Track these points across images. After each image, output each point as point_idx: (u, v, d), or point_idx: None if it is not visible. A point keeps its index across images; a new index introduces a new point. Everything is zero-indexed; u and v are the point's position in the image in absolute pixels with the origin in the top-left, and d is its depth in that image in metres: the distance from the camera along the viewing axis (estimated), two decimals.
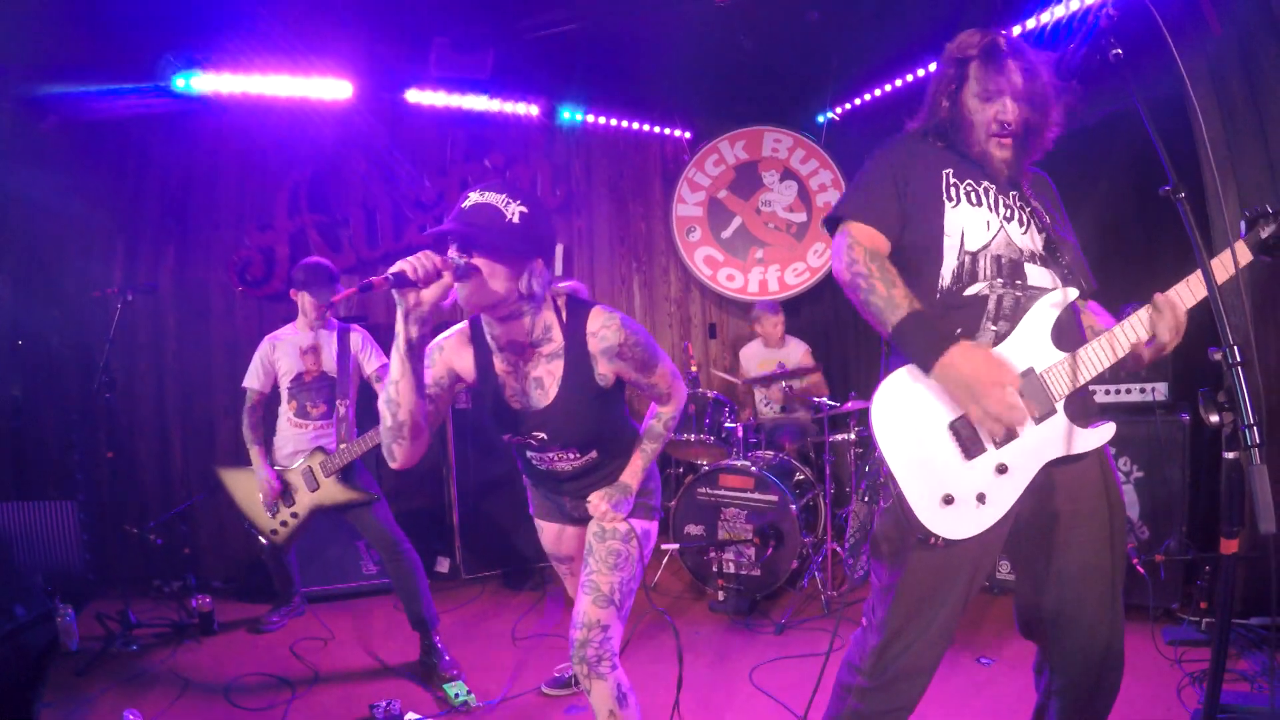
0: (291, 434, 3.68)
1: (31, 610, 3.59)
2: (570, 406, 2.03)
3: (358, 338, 3.72)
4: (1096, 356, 1.79)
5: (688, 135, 6.00)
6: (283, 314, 4.72)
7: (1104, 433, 1.82)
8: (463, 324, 2.10)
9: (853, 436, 4.56)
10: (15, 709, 3.08)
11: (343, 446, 3.49)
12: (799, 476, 4.62)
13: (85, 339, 4.35)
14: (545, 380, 2.03)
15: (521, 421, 2.08)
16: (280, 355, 3.72)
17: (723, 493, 4.27)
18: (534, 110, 5.44)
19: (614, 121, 5.80)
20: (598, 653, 2.09)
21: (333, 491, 3.51)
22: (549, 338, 2.00)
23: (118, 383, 4.41)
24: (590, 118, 5.70)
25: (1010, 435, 1.75)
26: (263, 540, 3.70)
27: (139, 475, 4.61)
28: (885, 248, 1.87)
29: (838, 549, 4.24)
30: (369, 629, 3.99)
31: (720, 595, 4.13)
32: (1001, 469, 1.74)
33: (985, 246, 1.87)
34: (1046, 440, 1.78)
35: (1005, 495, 1.75)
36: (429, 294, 1.68)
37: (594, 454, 2.19)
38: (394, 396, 1.79)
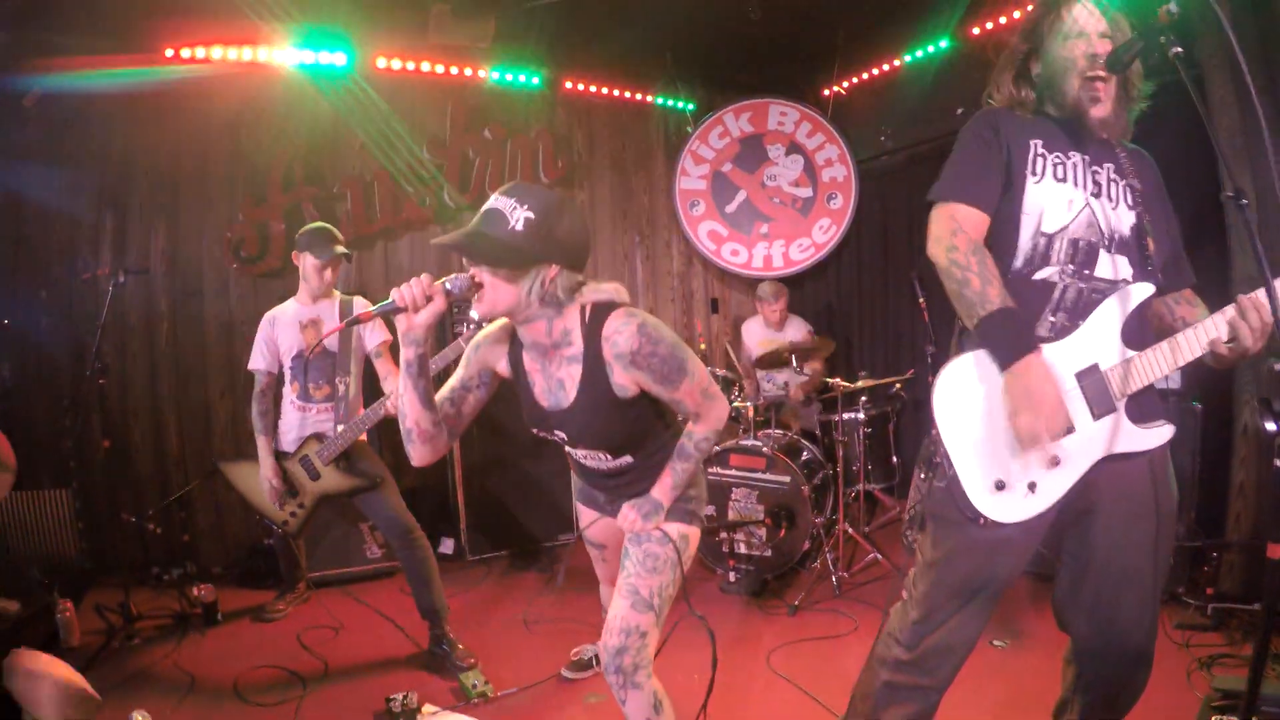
0: (295, 418, 3.52)
1: (29, 605, 3.49)
2: (588, 412, 1.95)
3: (361, 309, 3.53)
4: (1163, 358, 1.74)
5: (691, 107, 5.86)
6: (279, 291, 4.53)
7: (1161, 434, 1.79)
8: (504, 320, 2.04)
9: (862, 415, 4.51)
10: (16, 710, 2.98)
11: (340, 429, 3.35)
12: (806, 455, 4.57)
13: (75, 322, 4.19)
14: (566, 383, 1.96)
15: (545, 418, 2.03)
16: (280, 331, 3.52)
17: (733, 473, 4.21)
18: (535, 80, 5.29)
19: (616, 92, 5.66)
20: (635, 661, 2.00)
21: (335, 479, 3.40)
22: (569, 341, 1.92)
23: (111, 368, 4.29)
24: (593, 88, 5.56)
25: (1067, 429, 1.71)
26: (276, 530, 3.61)
27: (134, 461, 4.47)
28: (986, 227, 1.83)
29: (849, 530, 4.20)
30: (376, 617, 3.91)
31: (731, 576, 4.09)
32: (1055, 461, 1.73)
33: (1064, 229, 1.82)
34: (1103, 437, 1.76)
35: (1056, 487, 1.75)
36: (421, 319, 1.73)
37: (627, 459, 2.09)
38: (402, 408, 1.86)
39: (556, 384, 1.98)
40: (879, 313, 5.80)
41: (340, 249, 3.48)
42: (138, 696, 3.06)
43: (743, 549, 4.18)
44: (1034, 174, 1.83)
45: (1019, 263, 1.83)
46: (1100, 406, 1.75)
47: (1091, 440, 1.75)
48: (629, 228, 5.85)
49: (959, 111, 5.00)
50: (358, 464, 3.40)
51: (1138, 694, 1.91)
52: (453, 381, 2.06)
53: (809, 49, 5.42)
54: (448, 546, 4.81)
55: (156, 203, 4.50)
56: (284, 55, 4.56)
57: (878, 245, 5.75)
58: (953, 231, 1.78)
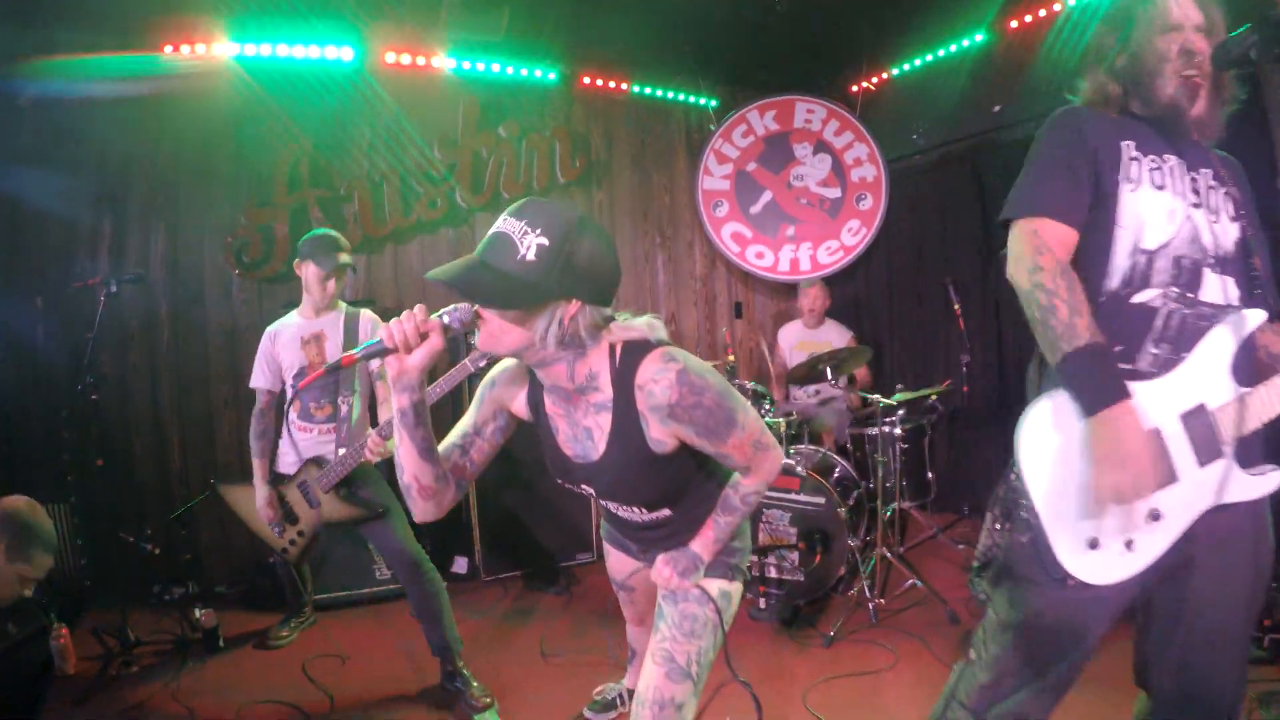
0: (295, 440, 3.29)
1: (23, 626, 3.28)
2: (620, 468, 1.69)
3: (368, 323, 3.29)
4: (1276, 397, 1.52)
5: (714, 104, 5.62)
6: (284, 298, 4.38)
7: (1272, 480, 1.57)
8: None
9: (899, 430, 4.27)
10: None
11: (341, 453, 3.11)
12: (839, 472, 4.34)
13: (73, 330, 3.96)
14: (595, 433, 1.69)
15: (571, 470, 1.78)
16: (281, 348, 3.28)
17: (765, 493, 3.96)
18: (551, 75, 5.06)
19: (636, 88, 5.42)
20: None
21: (335, 508, 3.16)
22: (595, 386, 1.64)
23: (110, 378, 4.11)
24: (611, 84, 5.33)
25: (1170, 478, 1.52)
26: (276, 557, 3.40)
27: (135, 474, 4.27)
28: (1074, 245, 1.61)
29: (886, 554, 3.97)
30: (385, 644, 3.68)
31: (761, 603, 3.86)
32: (1154, 515, 1.52)
33: (1165, 245, 1.59)
34: (1207, 486, 1.55)
35: (1155, 544, 1.55)
36: (415, 360, 1.47)
37: (665, 512, 1.85)
38: (398, 460, 1.61)
39: (583, 432, 1.72)
40: (910, 319, 5.55)
41: (345, 259, 3.23)
42: None
43: (773, 573, 3.94)
44: (1129, 180, 1.61)
45: (1115, 283, 1.61)
46: (1206, 452, 1.54)
47: (1196, 490, 1.55)
48: (650, 229, 5.61)
49: (996, 109, 4.78)
50: (360, 491, 3.18)
51: None
52: (463, 424, 1.80)
53: (837, 43, 5.17)
54: (461, 566, 4.60)
55: (155, 205, 4.29)
56: (289, 50, 4.35)
57: (909, 249, 5.50)
58: (1037, 250, 1.56)
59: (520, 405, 1.80)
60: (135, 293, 4.12)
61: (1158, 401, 1.54)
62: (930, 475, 4.65)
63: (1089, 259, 1.62)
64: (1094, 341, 1.48)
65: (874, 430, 4.60)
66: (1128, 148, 1.63)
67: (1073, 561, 1.52)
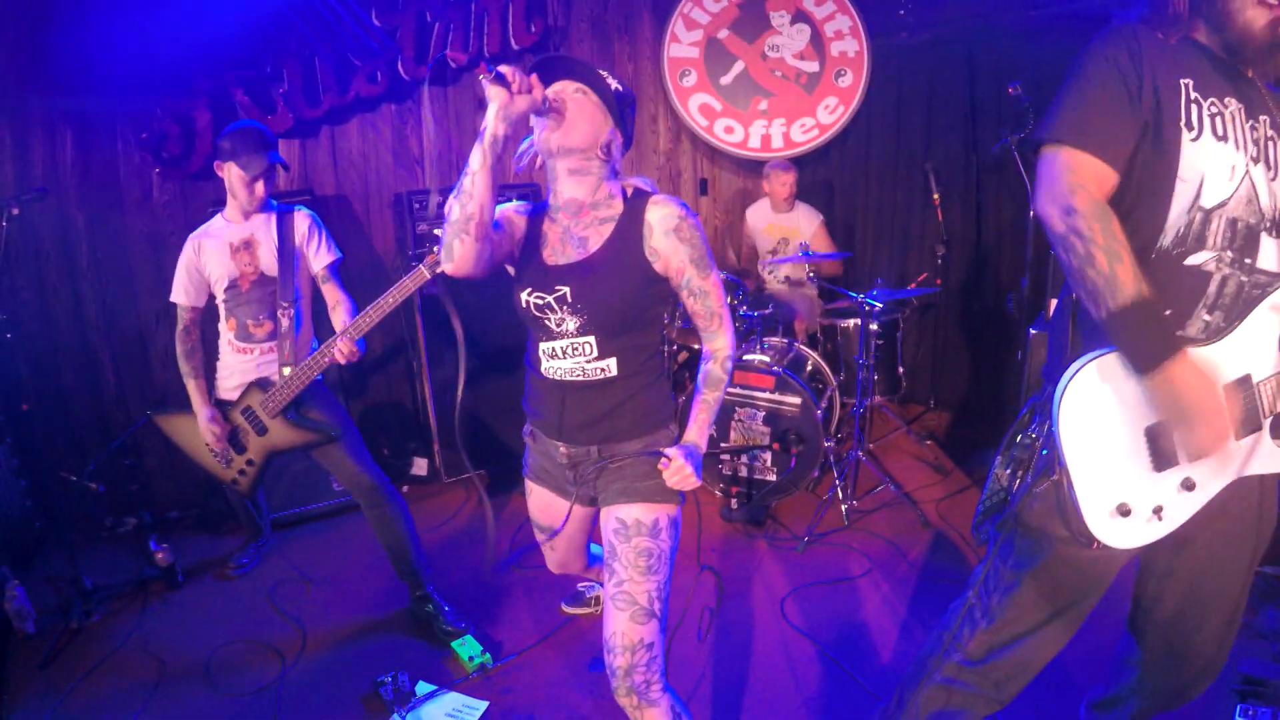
0: (235, 363, 2.99)
1: None
2: (606, 266, 1.83)
3: (303, 223, 2.92)
4: None
5: None
6: (211, 195, 3.96)
7: None
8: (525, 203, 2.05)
9: (875, 326, 4.12)
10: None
11: (286, 373, 2.84)
12: (810, 367, 4.24)
13: None
14: (590, 239, 1.87)
15: (547, 274, 1.87)
16: (207, 258, 2.91)
17: (737, 391, 3.85)
18: None
19: None
20: (646, 677, 1.81)
21: (284, 433, 2.93)
22: (608, 204, 1.88)
23: (29, 304, 3.75)
24: None
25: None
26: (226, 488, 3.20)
27: (70, 405, 3.96)
28: (1112, 187, 1.47)
29: (862, 457, 3.94)
30: (349, 564, 3.58)
31: (733, 503, 3.84)
32: (1188, 485, 1.49)
33: (1223, 204, 1.45)
34: (1241, 457, 1.52)
35: (1182, 512, 1.51)
36: (520, 102, 1.68)
37: (611, 365, 1.87)
38: (468, 188, 1.71)
39: (576, 241, 1.88)
40: (886, 206, 5.28)
41: (274, 156, 2.85)
42: (103, 696, 2.75)
43: (744, 472, 3.90)
44: (1189, 127, 1.44)
45: (1167, 241, 1.48)
46: (1248, 424, 1.49)
47: (1230, 461, 1.51)
48: None
49: None
50: (310, 413, 2.94)
51: (1197, 696, 1.82)
52: None
53: None
54: (420, 468, 4.49)
55: (58, 106, 3.74)
56: None
57: (889, 132, 5.15)
58: (1071, 189, 1.42)
59: (520, 228, 1.96)
60: (46, 206, 3.65)
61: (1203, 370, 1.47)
62: (901, 370, 4.56)
63: (1143, 210, 1.49)
64: (1140, 296, 1.36)
65: (846, 322, 4.49)
66: (1187, 88, 1.45)
67: (1100, 526, 1.48)
